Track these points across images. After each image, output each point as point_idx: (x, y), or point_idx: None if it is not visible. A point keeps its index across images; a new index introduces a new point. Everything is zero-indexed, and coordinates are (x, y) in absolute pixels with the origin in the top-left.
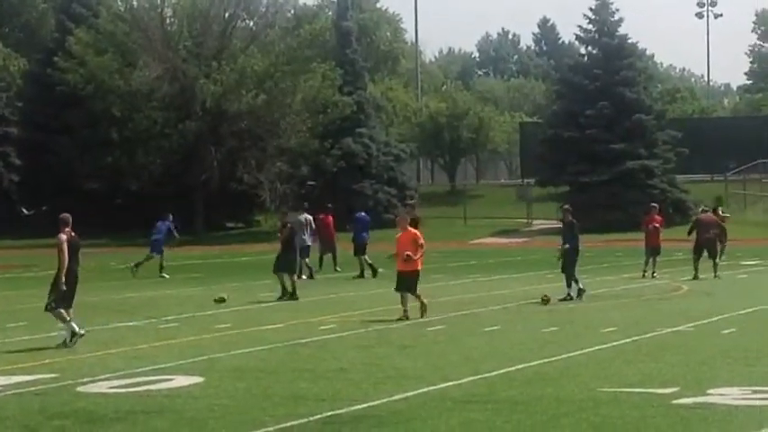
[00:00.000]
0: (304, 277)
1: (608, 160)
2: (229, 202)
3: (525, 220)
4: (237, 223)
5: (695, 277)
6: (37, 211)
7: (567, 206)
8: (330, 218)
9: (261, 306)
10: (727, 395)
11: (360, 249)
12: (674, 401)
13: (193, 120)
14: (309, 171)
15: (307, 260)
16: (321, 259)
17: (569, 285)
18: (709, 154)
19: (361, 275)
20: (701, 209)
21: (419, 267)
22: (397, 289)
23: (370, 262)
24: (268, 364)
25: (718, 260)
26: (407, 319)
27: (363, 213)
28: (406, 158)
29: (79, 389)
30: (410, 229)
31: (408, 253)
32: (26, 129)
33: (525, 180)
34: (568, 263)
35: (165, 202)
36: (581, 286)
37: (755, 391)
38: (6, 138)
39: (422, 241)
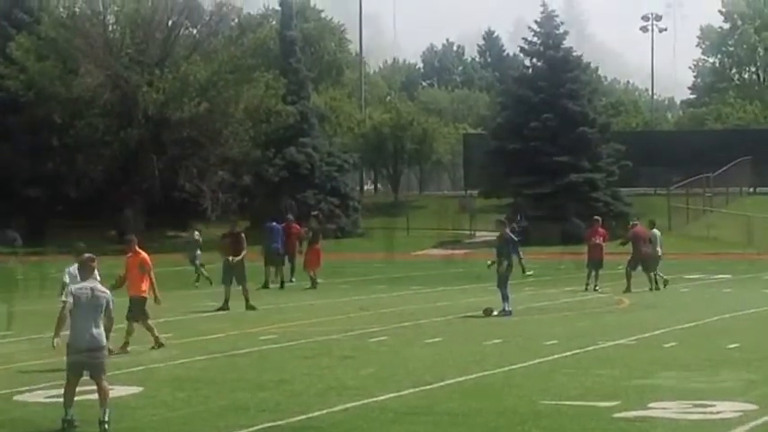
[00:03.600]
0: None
1: (552, 172)
2: (170, 210)
3: (468, 232)
4: (178, 232)
5: (628, 290)
6: None
7: (501, 218)
8: (295, 227)
9: (201, 316)
10: (668, 409)
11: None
12: (615, 415)
13: (135, 127)
14: (252, 180)
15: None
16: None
17: (505, 300)
18: (653, 167)
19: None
20: (631, 223)
21: (145, 294)
22: (127, 317)
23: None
24: (208, 375)
25: (653, 273)
26: (126, 352)
27: (275, 223)
28: (350, 169)
29: (16, 398)
30: (139, 252)
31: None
32: None
33: (468, 191)
34: (502, 279)
35: (106, 209)
36: (507, 308)
37: (696, 405)
38: None
39: (149, 266)
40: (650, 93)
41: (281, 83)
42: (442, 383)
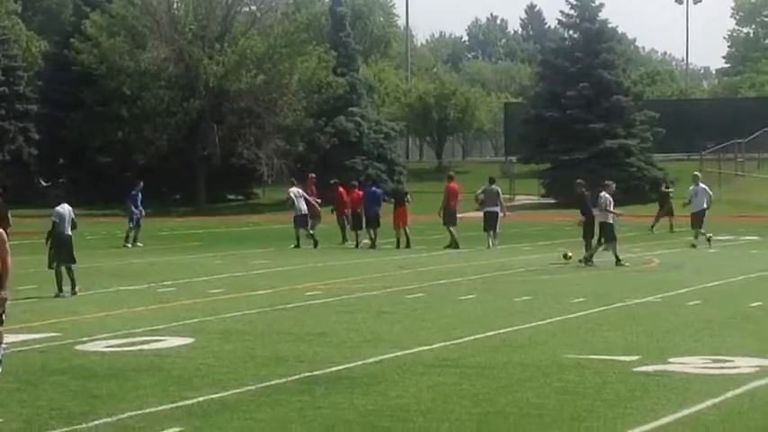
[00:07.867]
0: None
1: (587, 139)
2: (230, 175)
3: (508, 196)
4: (237, 195)
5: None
6: (53, 183)
7: (579, 180)
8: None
9: (253, 273)
10: (688, 364)
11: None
12: (635, 369)
13: (197, 98)
14: (304, 147)
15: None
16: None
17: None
18: (686, 134)
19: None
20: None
21: None
22: None
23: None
24: (254, 327)
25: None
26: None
27: (374, 188)
28: (396, 136)
29: (78, 347)
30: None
31: None
32: (44, 106)
33: (508, 157)
34: (586, 231)
35: (170, 175)
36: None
37: (715, 361)
38: (27, 114)
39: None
40: (685, 63)
41: (331, 56)
42: (471, 338)
